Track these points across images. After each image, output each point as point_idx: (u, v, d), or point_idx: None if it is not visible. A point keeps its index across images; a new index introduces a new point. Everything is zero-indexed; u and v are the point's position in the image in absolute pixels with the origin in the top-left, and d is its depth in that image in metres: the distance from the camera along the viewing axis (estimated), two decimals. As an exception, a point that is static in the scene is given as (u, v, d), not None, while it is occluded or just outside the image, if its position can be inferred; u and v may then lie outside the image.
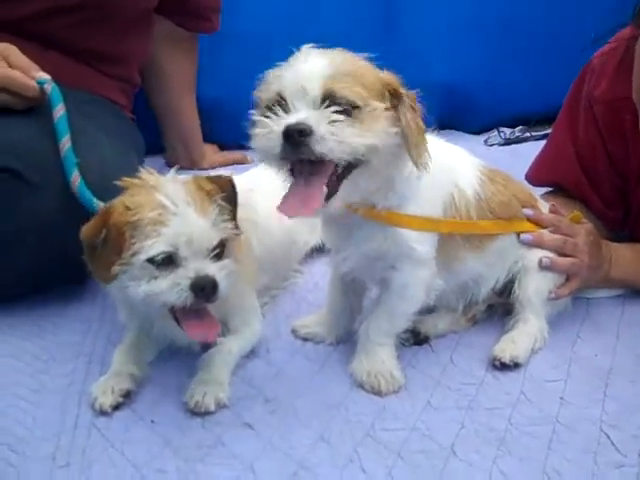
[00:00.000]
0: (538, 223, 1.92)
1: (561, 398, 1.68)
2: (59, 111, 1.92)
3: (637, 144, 2.03)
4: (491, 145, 3.33)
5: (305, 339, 1.93)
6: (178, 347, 1.84)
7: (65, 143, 1.88)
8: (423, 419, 1.63)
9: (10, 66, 1.94)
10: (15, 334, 1.95)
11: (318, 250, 2.31)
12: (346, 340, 1.90)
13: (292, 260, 2.24)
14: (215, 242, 1.64)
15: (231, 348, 1.81)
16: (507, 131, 3.40)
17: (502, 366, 1.77)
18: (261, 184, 1.99)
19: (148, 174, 1.68)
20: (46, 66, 2.00)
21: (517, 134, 3.38)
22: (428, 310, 1.91)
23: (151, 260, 1.59)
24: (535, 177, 2.31)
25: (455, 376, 1.76)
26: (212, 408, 1.65)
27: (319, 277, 2.21)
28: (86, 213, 1.85)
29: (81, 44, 2.24)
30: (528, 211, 1.91)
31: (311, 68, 1.50)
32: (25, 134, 1.92)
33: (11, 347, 1.90)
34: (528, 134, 3.36)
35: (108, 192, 1.86)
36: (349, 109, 1.48)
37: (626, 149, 2.09)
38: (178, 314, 1.65)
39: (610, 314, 2.01)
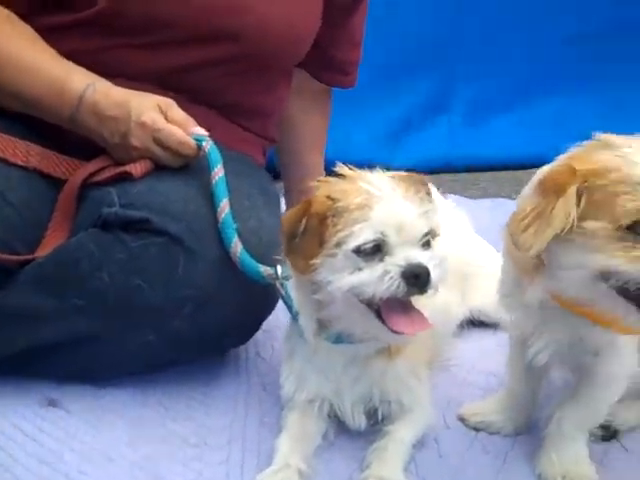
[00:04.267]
0: None
1: None
2: (218, 173, 1.80)
3: None
4: None
5: (476, 429, 1.75)
6: (342, 427, 1.71)
7: (224, 208, 1.75)
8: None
9: (168, 121, 1.83)
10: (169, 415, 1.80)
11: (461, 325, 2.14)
12: (524, 431, 1.72)
13: (447, 334, 2.06)
14: (425, 230, 1.53)
15: (403, 437, 1.64)
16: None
17: None
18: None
19: (347, 169, 1.59)
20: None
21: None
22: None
23: (358, 250, 1.48)
24: None
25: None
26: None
27: (475, 357, 2.03)
28: (242, 282, 1.74)
29: (228, 97, 2.10)
30: None
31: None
32: (183, 195, 1.80)
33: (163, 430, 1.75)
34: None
35: (266, 259, 1.74)
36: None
37: None
38: (383, 308, 1.52)
39: None
